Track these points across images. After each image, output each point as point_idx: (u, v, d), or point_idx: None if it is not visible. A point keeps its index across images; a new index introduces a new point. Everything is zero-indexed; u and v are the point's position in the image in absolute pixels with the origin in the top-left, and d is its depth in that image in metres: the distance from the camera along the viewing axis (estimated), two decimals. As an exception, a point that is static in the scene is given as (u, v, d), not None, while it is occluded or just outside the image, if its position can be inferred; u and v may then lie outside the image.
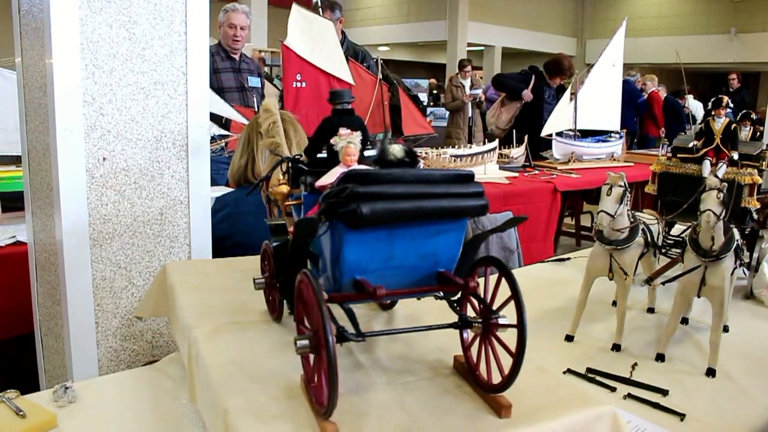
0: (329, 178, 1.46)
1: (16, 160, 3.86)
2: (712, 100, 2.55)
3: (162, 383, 1.89)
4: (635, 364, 2.06)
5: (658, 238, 2.34)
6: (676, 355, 2.15)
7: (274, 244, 1.63)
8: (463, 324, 1.34)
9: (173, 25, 2.38)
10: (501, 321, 1.27)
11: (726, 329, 2.32)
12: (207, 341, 1.55)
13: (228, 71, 4.83)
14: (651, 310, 2.52)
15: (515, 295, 1.23)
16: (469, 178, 1.28)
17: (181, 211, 2.51)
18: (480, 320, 1.31)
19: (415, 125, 6.04)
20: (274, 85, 6.76)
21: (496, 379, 1.27)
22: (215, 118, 4.05)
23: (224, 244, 2.71)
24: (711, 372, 2.03)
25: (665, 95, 10.32)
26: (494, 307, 1.30)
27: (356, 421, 1.20)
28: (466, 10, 17.73)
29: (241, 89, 4.85)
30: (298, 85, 4.96)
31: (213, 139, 4.01)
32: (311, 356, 1.22)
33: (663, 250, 2.39)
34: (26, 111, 2.53)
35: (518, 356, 1.21)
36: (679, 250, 2.28)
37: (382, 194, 1.16)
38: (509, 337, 1.25)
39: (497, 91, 6.98)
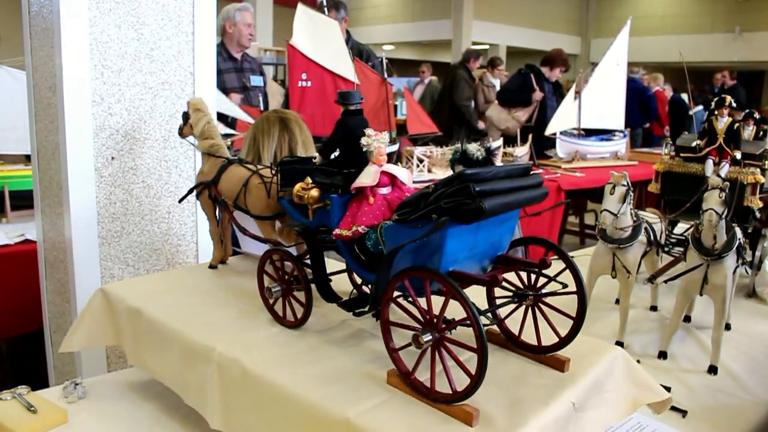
0: (366, 177, 1.45)
1: (25, 159, 3.90)
2: (715, 99, 2.56)
3: (170, 379, 1.91)
4: (638, 361, 2.07)
5: (660, 236, 2.36)
6: (678, 353, 2.17)
7: (308, 245, 1.56)
8: (519, 297, 1.44)
9: (181, 25, 2.40)
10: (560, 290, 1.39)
11: (728, 327, 2.33)
12: (248, 358, 1.43)
13: (230, 71, 4.82)
14: (654, 308, 2.54)
15: (570, 266, 1.36)
16: (529, 170, 1.41)
17: (188, 210, 2.54)
18: (533, 293, 1.43)
19: (420, 124, 6.04)
20: None
21: (546, 341, 1.39)
22: (221, 117, 4.07)
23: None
24: (713, 369, 2.05)
25: (671, 94, 10.27)
26: (535, 282, 1.43)
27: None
28: (471, 9, 17.69)
29: (243, 89, 4.85)
30: (304, 84, 4.95)
31: (219, 138, 4.02)
32: (397, 352, 1.27)
33: (666, 249, 2.40)
34: (36, 110, 2.56)
35: (579, 319, 1.35)
36: (681, 249, 2.29)
37: (493, 191, 1.24)
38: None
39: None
